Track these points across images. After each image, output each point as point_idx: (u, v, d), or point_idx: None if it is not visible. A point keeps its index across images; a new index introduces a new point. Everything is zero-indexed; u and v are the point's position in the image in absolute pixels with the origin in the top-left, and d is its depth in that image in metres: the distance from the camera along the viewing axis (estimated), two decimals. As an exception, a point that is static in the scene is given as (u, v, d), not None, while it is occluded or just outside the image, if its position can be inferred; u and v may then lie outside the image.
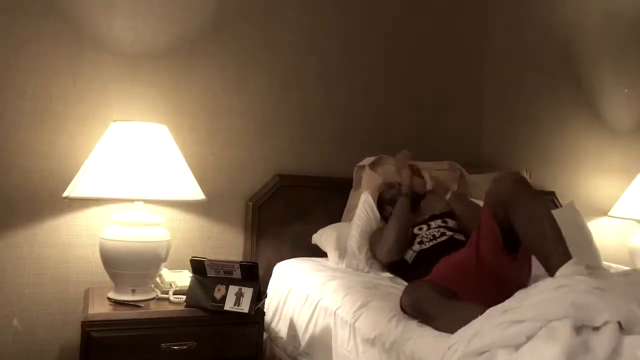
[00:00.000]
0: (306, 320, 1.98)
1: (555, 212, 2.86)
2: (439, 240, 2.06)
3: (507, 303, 1.34)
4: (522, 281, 1.68)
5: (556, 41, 3.20)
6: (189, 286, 1.93)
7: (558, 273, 1.46)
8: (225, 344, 1.91)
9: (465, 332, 1.31)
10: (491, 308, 1.35)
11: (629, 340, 1.18)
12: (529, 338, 1.20)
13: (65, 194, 1.93)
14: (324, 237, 2.42)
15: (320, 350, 1.88)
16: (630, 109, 3.43)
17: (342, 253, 2.29)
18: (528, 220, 1.65)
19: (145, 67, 2.32)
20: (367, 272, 2.20)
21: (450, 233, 2.09)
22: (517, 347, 1.20)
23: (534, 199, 1.67)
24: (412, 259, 2.07)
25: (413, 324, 1.53)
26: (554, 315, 1.23)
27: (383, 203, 2.36)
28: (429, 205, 2.29)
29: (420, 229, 2.15)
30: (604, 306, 1.23)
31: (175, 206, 2.35)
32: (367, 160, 2.56)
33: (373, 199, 2.36)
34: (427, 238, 2.09)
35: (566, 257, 1.53)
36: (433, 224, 2.17)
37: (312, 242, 2.47)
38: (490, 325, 1.27)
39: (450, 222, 2.17)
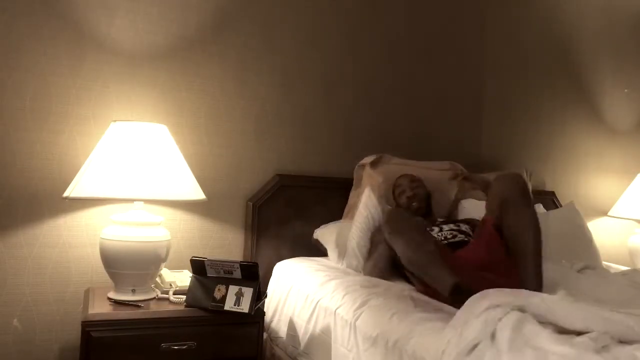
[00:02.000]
0: (306, 319, 1.98)
1: (555, 212, 2.89)
2: (450, 241, 2.07)
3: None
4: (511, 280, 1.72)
5: (556, 41, 3.20)
6: (189, 286, 1.94)
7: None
8: (225, 344, 1.91)
9: (453, 331, 1.34)
10: (471, 298, 1.41)
11: (627, 348, 1.20)
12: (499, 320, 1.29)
13: (65, 194, 1.93)
14: (325, 235, 2.42)
15: (320, 350, 1.88)
16: (630, 109, 3.43)
17: (342, 252, 2.29)
18: (514, 226, 1.73)
19: (145, 67, 2.32)
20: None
21: (462, 236, 2.10)
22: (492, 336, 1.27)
23: (525, 205, 1.72)
24: None
25: (415, 322, 1.54)
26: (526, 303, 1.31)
27: (396, 199, 2.38)
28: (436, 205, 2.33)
29: (432, 230, 2.15)
30: (583, 315, 1.26)
31: (175, 206, 2.35)
32: (368, 159, 2.56)
33: (375, 196, 2.36)
34: (439, 239, 2.09)
35: (537, 276, 1.66)
36: (445, 227, 2.17)
37: (314, 238, 2.48)
38: (471, 314, 1.33)
39: (463, 227, 2.18)
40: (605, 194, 3.35)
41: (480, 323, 1.28)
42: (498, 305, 1.31)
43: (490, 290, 1.40)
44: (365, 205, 2.31)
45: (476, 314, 1.31)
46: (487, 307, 1.31)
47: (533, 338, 1.22)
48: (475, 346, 1.26)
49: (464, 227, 2.19)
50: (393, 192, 2.40)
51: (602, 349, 1.21)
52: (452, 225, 2.18)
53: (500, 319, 1.28)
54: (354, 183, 2.59)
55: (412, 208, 2.31)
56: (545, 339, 1.21)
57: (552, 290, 1.79)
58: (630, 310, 1.38)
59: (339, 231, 2.35)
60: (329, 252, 2.36)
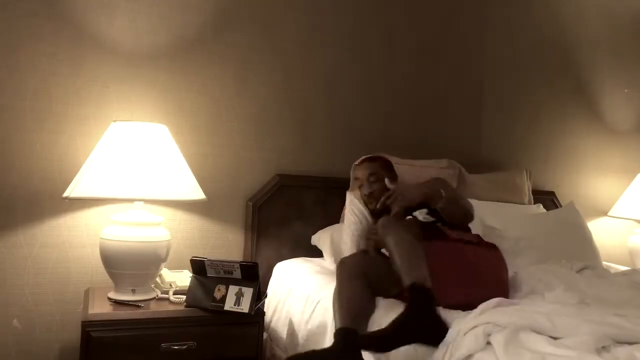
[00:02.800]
0: (306, 320, 1.98)
1: (555, 212, 2.89)
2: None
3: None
4: None
5: (556, 41, 3.20)
6: (189, 286, 1.94)
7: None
8: (225, 344, 1.91)
9: (443, 349, 1.35)
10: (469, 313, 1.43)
11: (627, 348, 1.20)
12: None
13: (65, 194, 1.93)
14: (321, 240, 2.41)
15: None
16: (630, 109, 3.43)
17: (338, 256, 2.28)
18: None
19: (145, 67, 2.32)
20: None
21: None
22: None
23: (385, 241, 1.75)
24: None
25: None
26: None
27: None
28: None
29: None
30: (586, 328, 1.26)
31: (175, 206, 2.35)
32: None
33: (358, 199, 2.27)
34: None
35: (412, 276, 1.59)
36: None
37: (312, 244, 2.47)
38: (460, 332, 1.34)
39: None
40: (605, 194, 3.35)
41: (471, 337, 1.27)
42: (497, 324, 1.30)
43: (492, 305, 1.41)
44: (352, 211, 2.22)
45: (464, 330, 1.31)
46: (474, 325, 1.31)
47: (529, 342, 1.22)
48: (469, 357, 1.26)
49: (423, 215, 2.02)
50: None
51: (603, 349, 1.21)
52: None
53: (489, 334, 1.27)
54: (350, 183, 2.58)
55: (371, 207, 2.13)
56: (542, 343, 1.21)
57: (550, 290, 1.80)
58: (627, 312, 1.38)
59: (333, 235, 2.34)
60: (326, 257, 2.35)
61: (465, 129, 2.98)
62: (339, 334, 1.58)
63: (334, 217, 2.55)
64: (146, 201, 2.00)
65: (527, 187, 2.85)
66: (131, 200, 1.97)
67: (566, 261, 2.25)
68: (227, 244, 2.46)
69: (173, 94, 2.37)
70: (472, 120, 3.01)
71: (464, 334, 1.29)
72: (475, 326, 1.30)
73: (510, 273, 1.94)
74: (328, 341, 1.79)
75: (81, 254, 2.21)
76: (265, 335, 2.14)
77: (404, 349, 1.45)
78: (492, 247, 1.92)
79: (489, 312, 1.36)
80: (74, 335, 2.13)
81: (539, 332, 1.27)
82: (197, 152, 2.39)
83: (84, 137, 2.21)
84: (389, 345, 1.45)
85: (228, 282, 1.90)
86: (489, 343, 1.26)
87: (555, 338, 1.26)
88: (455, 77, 2.95)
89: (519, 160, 3.08)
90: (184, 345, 1.84)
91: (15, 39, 2.12)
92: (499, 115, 3.07)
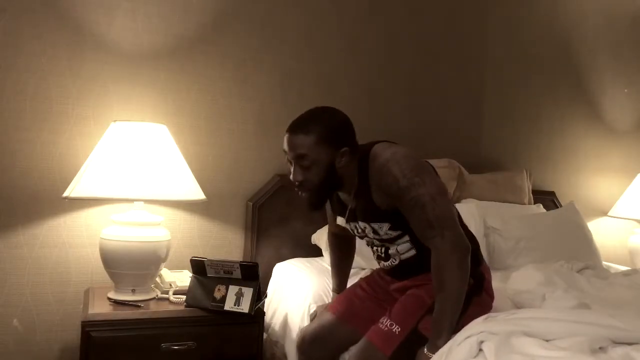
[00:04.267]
0: (306, 320, 1.98)
1: (555, 212, 2.89)
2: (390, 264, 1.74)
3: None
4: None
5: (556, 41, 3.20)
6: (189, 286, 1.94)
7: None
8: (225, 344, 1.91)
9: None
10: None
11: (627, 348, 1.20)
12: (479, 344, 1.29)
13: (65, 194, 1.93)
14: (319, 238, 2.42)
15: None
16: (630, 109, 3.43)
17: None
18: None
19: (145, 67, 2.32)
20: (364, 268, 2.20)
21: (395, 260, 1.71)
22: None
23: None
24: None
25: None
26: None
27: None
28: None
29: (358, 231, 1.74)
30: (583, 330, 1.26)
31: (175, 206, 2.35)
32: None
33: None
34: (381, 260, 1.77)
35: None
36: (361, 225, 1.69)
37: (312, 243, 2.47)
38: (454, 342, 1.34)
39: (384, 231, 1.63)
40: (605, 194, 3.34)
41: (465, 346, 1.28)
42: (491, 332, 1.30)
43: (485, 318, 1.41)
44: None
45: (459, 341, 1.31)
46: (469, 335, 1.31)
47: (521, 346, 1.22)
48: None
49: (384, 230, 1.61)
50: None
51: (600, 350, 1.21)
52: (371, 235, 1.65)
53: (482, 342, 1.27)
54: None
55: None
56: (534, 346, 1.21)
57: (552, 289, 1.80)
58: (626, 313, 1.38)
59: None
60: (324, 254, 2.36)
61: (465, 129, 2.98)
62: None
63: (334, 217, 2.55)
64: (146, 201, 2.00)
65: (527, 187, 2.85)
66: (131, 200, 1.97)
67: (566, 261, 2.25)
68: (227, 244, 2.46)
69: (173, 94, 2.37)
70: (472, 120, 3.01)
71: (458, 344, 1.29)
72: (470, 335, 1.29)
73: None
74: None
75: (81, 254, 2.21)
76: (265, 335, 2.14)
77: None
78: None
79: (483, 322, 1.36)
80: (74, 335, 2.13)
81: (532, 336, 1.27)
82: (197, 152, 2.39)
83: (84, 137, 2.21)
84: None
85: (228, 282, 1.90)
86: (481, 350, 1.26)
87: (549, 341, 1.26)
88: (455, 76, 2.94)
89: (519, 160, 3.08)
90: (184, 345, 1.84)
91: (15, 39, 2.12)
92: (499, 115, 3.06)
